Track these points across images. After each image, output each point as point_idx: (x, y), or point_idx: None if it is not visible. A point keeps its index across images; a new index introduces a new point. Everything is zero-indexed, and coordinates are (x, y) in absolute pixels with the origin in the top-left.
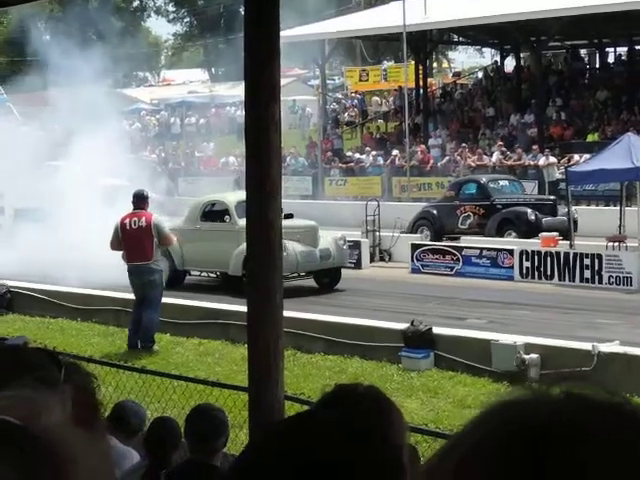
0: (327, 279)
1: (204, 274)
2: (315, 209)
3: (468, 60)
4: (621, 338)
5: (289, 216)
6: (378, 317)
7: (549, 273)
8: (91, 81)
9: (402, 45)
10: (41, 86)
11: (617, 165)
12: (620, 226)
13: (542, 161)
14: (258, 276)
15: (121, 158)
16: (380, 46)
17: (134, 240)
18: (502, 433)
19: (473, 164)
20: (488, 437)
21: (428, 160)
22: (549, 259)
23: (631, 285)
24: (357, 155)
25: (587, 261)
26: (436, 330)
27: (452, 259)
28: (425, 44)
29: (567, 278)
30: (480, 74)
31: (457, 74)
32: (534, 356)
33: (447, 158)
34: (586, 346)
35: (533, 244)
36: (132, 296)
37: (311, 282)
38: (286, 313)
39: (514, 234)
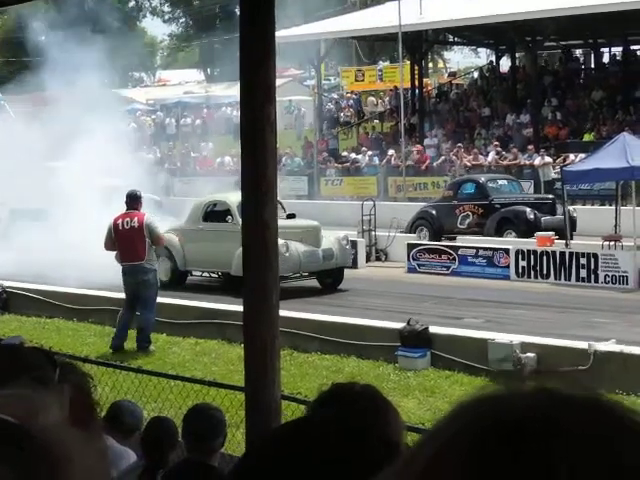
0: (330, 279)
1: (205, 274)
2: (311, 209)
3: (464, 60)
4: (617, 337)
5: (291, 216)
6: (374, 316)
7: (545, 272)
8: (87, 81)
9: (398, 45)
10: (36, 87)
11: (612, 164)
12: (616, 225)
13: (538, 161)
14: (254, 276)
15: (118, 158)
16: (376, 46)
17: (127, 240)
18: (476, 428)
19: (469, 164)
20: (462, 432)
21: (424, 160)
22: (545, 258)
23: (627, 284)
24: (353, 155)
25: (583, 260)
26: (432, 329)
27: (448, 258)
28: (421, 44)
29: (563, 277)
30: (476, 74)
31: (453, 74)
32: (530, 355)
33: (443, 158)
34: (582, 345)
35: (529, 243)
36: None
37: (314, 282)
38: (282, 313)
39: (513, 233)
